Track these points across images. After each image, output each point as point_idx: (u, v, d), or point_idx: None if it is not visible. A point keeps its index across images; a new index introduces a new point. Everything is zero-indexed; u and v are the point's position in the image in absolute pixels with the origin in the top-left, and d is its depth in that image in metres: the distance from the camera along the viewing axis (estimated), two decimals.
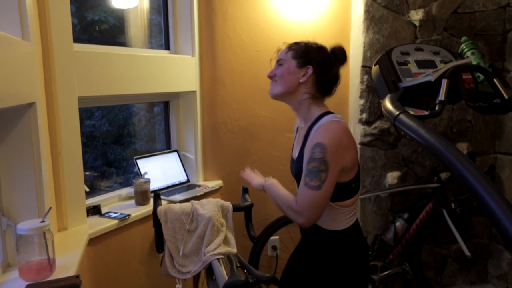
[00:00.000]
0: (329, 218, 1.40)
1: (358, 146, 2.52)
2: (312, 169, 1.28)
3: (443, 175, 2.54)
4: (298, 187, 1.48)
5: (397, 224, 2.49)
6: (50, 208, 1.34)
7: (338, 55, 1.43)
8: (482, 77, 2.05)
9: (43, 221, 1.26)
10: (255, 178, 1.62)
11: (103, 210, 1.91)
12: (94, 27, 2.03)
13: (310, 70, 1.38)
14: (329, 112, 1.41)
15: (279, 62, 1.44)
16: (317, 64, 1.39)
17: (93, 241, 1.69)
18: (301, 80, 1.39)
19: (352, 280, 1.42)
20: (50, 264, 1.28)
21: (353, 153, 1.33)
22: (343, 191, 1.36)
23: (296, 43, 1.44)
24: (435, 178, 2.48)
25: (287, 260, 1.60)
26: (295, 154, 1.47)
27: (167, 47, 2.36)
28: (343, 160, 1.29)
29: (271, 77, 1.46)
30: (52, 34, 1.49)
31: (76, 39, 1.84)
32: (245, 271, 1.38)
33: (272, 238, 2.55)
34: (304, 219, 1.29)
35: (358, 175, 1.40)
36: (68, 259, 1.38)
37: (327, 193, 1.28)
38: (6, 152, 1.33)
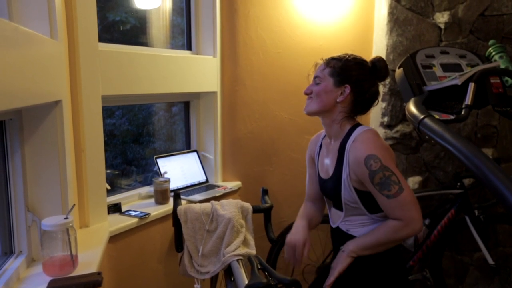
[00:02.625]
0: (367, 229, 1.37)
1: None
2: (381, 181, 1.24)
3: (467, 181, 2.48)
4: (334, 204, 1.45)
5: None
6: (74, 205, 1.36)
7: (379, 69, 1.38)
8: (510, 81, 1.99)
9: (66, 218, 1.27)
10: (335, 268, 1.37)
11: (123, 208, 1.93)
12: (116, 27, 2.05)
13: (347, 89, 1.35)
14: (358, 124, 1.39)
15: (316, 80, 1.40)
16: (355, 83, 1.35)
17: (113, 239, 1.71)
18: (338, 100, 1.36)
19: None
20: (73, 260, 1.29)
21: (392, 152, 1.36)
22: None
23: (334, 59, 1.39)
24: (458, 184, 2.42)
25: (322, 268, 1.58)
26: (329, 172, 1.42)
27: (189, 47, 2.37)
28: (393, 159, 1.30)
29: (308, 94, 1.42)
30: (78, 33, 1.51)
31: (99, 39, 1.86)
32: (266, 273, 1.37)
33: None
34: (417, 223, 1.23)
35: None
36: (89, 256, 1.40)
37: (409, 188, 1.25)
38: (33, 149, 1.35)
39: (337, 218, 1.45)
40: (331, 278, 1.35)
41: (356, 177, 1.29)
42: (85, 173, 1.61)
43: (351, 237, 1.39)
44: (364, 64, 1.38)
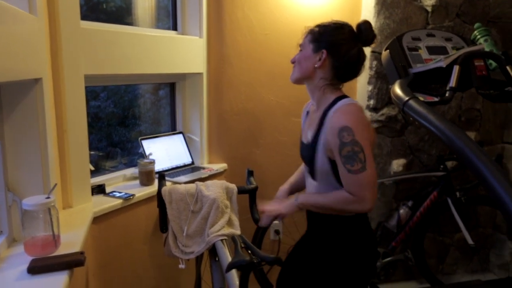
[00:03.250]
0: None
1: None
2: (347, 154, 1.25)
3: (449, 164, 2.52)
4: (309, 171, 1.45)
5: (401, 211, 2.48)
6: (56, 184, 1.34)
7: (363, 30, 1.35)
8: (494, 64, 2.01)
9: (48, 197, 1.26)
10: (279, 205, 1.48)
11: (108, 190, 1.92)
12: (101, 7, 2.00)
13: (324, 54, 1.33)
14: (344, 96, 1.37)
15: (300, 48, 1.42)
16: (332, 47, 1.33)
17: (97, 220, 1.70)
18: (316, 65, 1.35)
19: (359, 267, 1.40)
20: (55, 240, 1.28)
21: (373, 132, 1.35)
22: None
23: (317, 26, 1.39)
24: (441, 166, 2.46)
25: (294, 246, 1.58)
26: (308, 138, 1.43)
27: (174, 27, 2.33)
28: (369, 137, 1.29)
29: (292, 62, 1.44)
30: (59, 9, 1.47)
31: (83, 19, 1.81)
32: (249, 251, 1.38)
33: (275, 222, 2.54)
34: (367, 203, 1.25)
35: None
36: (72, 236, 1.39)
37: (372, 170, 1.26)
38: (13, 127, 1.32)
39: (311, 189, 1.46)
40: (270, 214, 1.47)
41: (329, 146, 1.30)
42: (67, 154, 1.59)
43: (323, 216, 1.41)
44: (344, 27, 1.36)
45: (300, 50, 1.42)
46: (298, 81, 1.43)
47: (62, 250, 1.29)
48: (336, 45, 1.33)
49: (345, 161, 1.26)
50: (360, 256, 1.40)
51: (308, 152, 1.40)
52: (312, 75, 1.38)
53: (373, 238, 1.44)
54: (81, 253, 1.23)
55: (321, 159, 1.35)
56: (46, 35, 1.44)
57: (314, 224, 1.49)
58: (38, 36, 1.32)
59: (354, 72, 1.38)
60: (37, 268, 1.15)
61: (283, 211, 1.45)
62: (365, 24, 1.35)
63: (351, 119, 1.27)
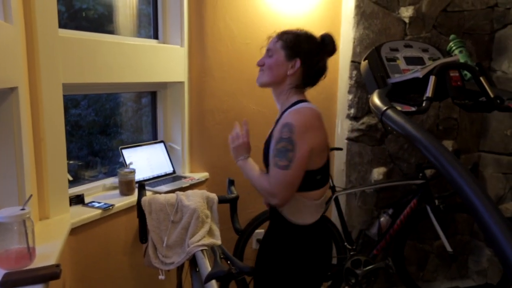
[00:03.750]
0: (294, 208, 1.38)
1: (345, 141, 2.53)
2: (281, 148, 1.29)
3: (428, 172, 2.57)
4: (266, 168, 1.48)
5: (382, 219, 2.51)
6: (31, 195, 1.31)
7: (328, 44, 1.41)
8: (469, 75, 2.07)
9: (23, 209, 1.23)
10: (238, 146, 1.52)
11: (87, 200, 1.89)
12: (82, 14, 1.98)
13: (298, 63, 1.38)
14: (305, 100, 1.41)
15: (269, 53, 1.43)
16: (306, 56, 1.38)
17: (75, 231, 1.67)
18: (288, 72, 1.39)
19: (306, 277, 1.39)
20: (30, 252, 1.25)
21: (321, 139, 1.34)
22: (308, 180, 1.35)
23: (286, 32, 1.42)
24: (420, 174, 2.50)
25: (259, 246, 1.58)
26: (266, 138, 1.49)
27: (155, 36, 2.33)
28: (311, 142, 1.30)
29: (260, 65, 1.45)
30: (36, 18, 1.45)
31: (64, 26, 1.80)
32: (228, 262, 1.38)
33: (257, 231, 2.55)
34: (277, 200, 1.30)
35: (325, 168, 1.39)
36: (49, 248, 1.36)
37: (297, 173, 1.29)
38: None
39: None
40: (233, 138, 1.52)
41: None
42: (44, 164, 1.56)
43: (282, 217, 1.40)
44: (314, 39, 1.41)
45: (270, 56, 1.42)
46: (266, 85, 1.45)
47: (37, 263, 1.26)
48: (309, 55, 1.38)
49: (276, 153, 1.30)
50: (310, 264, 1.40)
51: (264, 151, 1.45)
52: (282, 81, 1.41)
53: (326, 247, 1.44)
54: (57, 265, 1.21)
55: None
56: (23, 44, 1.42)
57: (273, 225, 1.48)
58: (13, 45, 1.30)
59: (317, 79, 1.44)
60: (10, 282, 1.13)
61: (231, 148, 1.52)
62: (328, 37, 1.41)
63: (298, 118, 1.30)
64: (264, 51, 1.48)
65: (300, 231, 1.38)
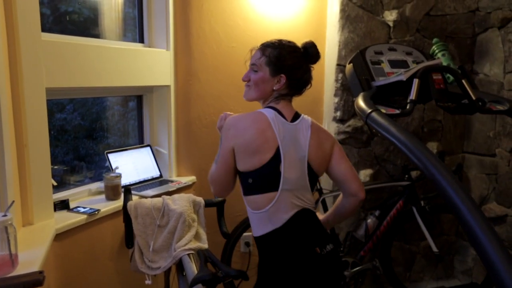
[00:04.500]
0: (251, 222, 1.41)
1: None
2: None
3: (414, 173, 2.60)
4: None
5: (369, 221, 2.53)
6: (13, 201, 1.29)
7: (311, 54, 1.42)
8: (452, 78, 2.10)
9: (5, 215, 1.21)
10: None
11: (72, 205, 1.87)
12: (67, 18, 1.97)
13: (283, 79, 1.39)
14: (271, 107, 1.41)
15: (253, 68, 1.44)
16: (290, 71, 1.39)
17: (60, 237, 1.65)
18: (274, 88, 1.41)
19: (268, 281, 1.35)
20: (12, 259, 1.23)
21: (249, 138, 1.32)
22: (242, 183, 1.40)
23: (269, 46, 1.42)
24: (406, 176, 2.53)
25: None
26: None
27: (141, 40, 2.32)
28: (231, 140, 1.35)
29: (246, 81, 1.47)
30: (18, 22, 1.44)
31: (49, 30, 1.78)
32: (215, 266, 1.38)
33: (245, 234, 2.54)
34: (211, 187, 1.45)
35: (259, 173, 1.34)
36: (32, 255, 1.34)
37: (220, 168, 1.39)
38: None
39: None
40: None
41: None
42: (28, 169, 1.54)
43: None
44: (297, 51, 1.41)
45: (255, 71, 1.43)
46: (254, 100, 1.48)
47: (20, 269, 1.25)
48: (294, 70, 1.39)
49: None
50: (262, 276, 1.37)
51: None
52: (269, 95, 1.44)
53: (274, 261, 1.35)
54: (40, 272, 1.18)
55: None
56: (4, 48, 1.40)
57: None
58: None
59: (303, 90, 1.46)
60: None
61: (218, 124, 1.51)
62: (312, 48, 1.41)
63: (233, 117, 1.39)
64: (248, 64, 1.48)
65: (258, 242, 1.39)
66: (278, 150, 1.33)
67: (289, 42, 1.43)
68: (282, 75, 1.39)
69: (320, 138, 1.43)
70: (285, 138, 1.35)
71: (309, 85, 1.47)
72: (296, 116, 1.43)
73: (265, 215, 1.34)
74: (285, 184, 1.33)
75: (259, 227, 1.36)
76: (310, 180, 1.40)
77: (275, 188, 1.33)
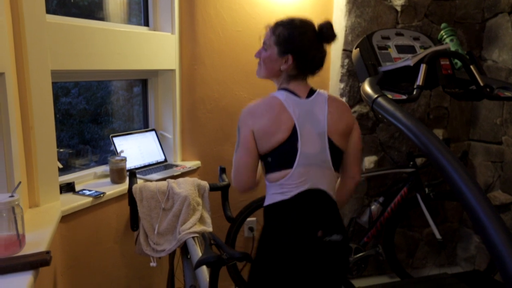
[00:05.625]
0: (266, 194, 1.44)
1: None
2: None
3: (418, 160, 2.59)
4: None
5: (373, 207, 2.53)
6: (20, 182, 1.30)
7: (326, 36, 1.40)
8: (459, 64, 2.07)
9: (12, 196, 1.22)
10: None
11: (78, 188, 1.88)
12: (72, 1, 1.95)
13: (290, 60, 1.38)
14: (285, 89, 1.42)
15: (264, 46, 1.45)
16: (298, 52, 1.38)
17: (66, 218, 1.66)
18: (281, 68, 1.41)
19: (269, 254, 1.37)
20: (20, 239, 1.25)
21: (265, 125, 1.35)
22: (263, 164, 1.42)
23: (280, 24, 1.41)
24: (411, 163, 2.52)
25: None
26: None
27: (146, 23, 2.30)
28: (250, 125, 1.37)
29: (257, 57, 1.49)
30: (23, 3, 1.43)
31: (53, 13, 1.77)
32: (219, 248, 1.39)
33: (249, 219, 2.56)
34: (234, 183, 1.44)
35: (277, 151, 1.36)
36: (39, 236, 1.36)
37: (240, 156, 1.39)
38: None
39: None
40: None
41: None
42: (34, 151, 1.55)
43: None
44: (309, 32, 1.39)
45: (265, 49, 1.44)
46: (264, 78, 1.50)
47: (27, 249, 1.26)
48: (302, 51, 1.38)
49: None
50: (269, 242, 1.39)
51: None
52: (278, 74, 1.45)
53: (290, 225, 1.35)
54: (47, 252, 1.20)
55: None
56: (9, 29, 1.39)
57: None
58: None
59: (315, 70, 1.45)
60: (0, 268, 1.12)
61: None
62: (327, 27, 1.39)
63: (248, 105, 1.40)
64: (262, 40, 1.49)
65: (266, 212, 1.42)
66: (294, 128, 1.35)
67: (302, 21, 1.40)
68: (289, 55, 1.38)
69: (340, 111, 1.43)
70: (301, 116, 1.37)
71: (322, 66, 1.45)
72: (311, 92, 1.43)
73: (278, 187, 1.38)
74: (302, 159, 1.35)
75: (271, 197, 1.40)
76: (332, 155, 1.39)
77: (292, 164, 1.35)
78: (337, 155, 1.41)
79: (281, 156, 1.36)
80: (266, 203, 1.42)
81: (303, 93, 1.41)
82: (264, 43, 1.45)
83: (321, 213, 1.37)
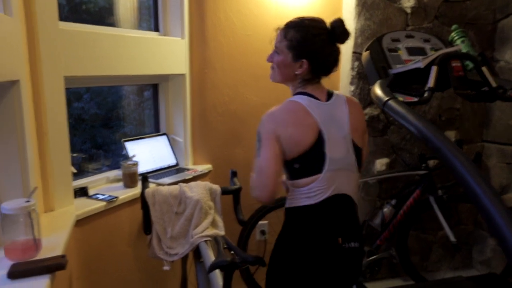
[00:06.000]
0: (290, 197, 1.40)
1: None
2: (256, 141, 1.37)
3: (431, 162, 2.56)
4: None
5: (385, 210, 2.52)
6: (36, 187, 1.33)
7: (338, 34, 1.35)
8: (471, 65, 2.06)
9: (28, 201, 1.24)
10: None
11: (91, 192, 1.90)
12: (83, 7, 1.99)
13: (305, 64, 1.36)
14: (303, 93, 1.39)
15: (276, 50, 1.42)
16: (312, 56, 1.35)
17: (80, 223, 1.68)
18: (296, 72, 1.38)
19: (293, 262, 1.35)
20: (36, 244, 1.27)
21: (292, 130, 1.32)
22: (290, 170, 1.36)
23: (291, 27, 1.37)
24: (423, 165, 2.50)
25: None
26: None
27: (156, 28, 2.33)
28: (275, 132, 1.31)
29: (269, 62, 1.45)
30: (36, 10, 1.46)
31: (65, 19, 1.80)
32: (232, 252, 1.39)
33: (260, 222, 2.56)
34: (253, 189, 1.34)
35: (305, 157, 1.33)
36: (54, 240, 1.38)
37: (265, 160, 1.31)
38: None
39: None
40: None
41: None
42: (48, 157, 1.57)
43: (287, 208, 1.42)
44: (322, 33, 1.35)
45: (278, 53, 1.41)
46: (279, 82, 1.47)
47: (43, 254, 1.28)
48: (316, 54, 1.34)
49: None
50: (292, 250, 1.36)
51: None
52: (293, 79, 1.41)
53: (316, 229, 1.36)
54: (63, 256, 1.22)
55: None
56: (23, 37, 1.42)
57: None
58: (14, 38, 1.30)
59: (330, 71, 1.41)
60: (17, 272, 1.14)
61: None
62: (340, 28, 1.34)
63: (267, 113, 1.35)
64: (274, 44, 1.45)
65: (293, 213, 1.38)
66: (320, 132, 1.33)
67: (313, 21, 1.37)
68: (304, 60, 1.35)
69: (357, 111, 1.43)
70: (325, 119, 1.34)
71: (336, 66, 1.42)
72: (329, 95, 1.41)
73: (305, 190, 1.35)
74: (330, 164, 1.33)
75: (296, 200, 1.37)
76: (356, 156, 1.39)
77: (321, 169, 1.33)
78: (359, 156, 1.41)
79: (309, 162, 1.33)
80: (291, 204, 1.39)
81: (322, 96, 1.39)
82: (276, 46, 1.42)
83: (344, 220, 1.37)
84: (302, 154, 1.32)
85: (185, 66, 2.32)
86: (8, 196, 1.35)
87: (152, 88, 2.41)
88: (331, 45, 1.37)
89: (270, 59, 1.44)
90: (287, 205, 1.40)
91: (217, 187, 1.78)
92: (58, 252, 1.29)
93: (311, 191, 1.34)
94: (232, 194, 1.81)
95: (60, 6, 1.60)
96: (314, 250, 1.33)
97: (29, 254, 1.25)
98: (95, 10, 2.04)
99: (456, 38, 2.22)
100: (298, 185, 1.36)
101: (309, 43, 1.34)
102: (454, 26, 2.26)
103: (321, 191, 1.33)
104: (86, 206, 1.73)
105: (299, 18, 1.40)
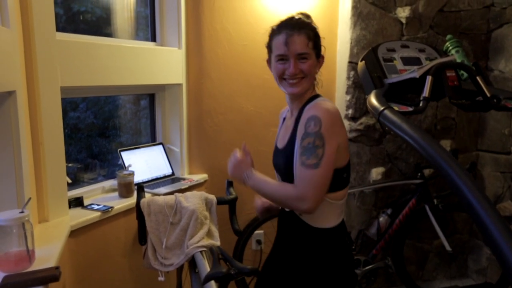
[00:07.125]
0: (318, 212, 1.25)
1: None
2: (307, 146, 1.16)
3: (426, 172, 2.57)
4: (281, 179, 1.39)
5: (381, 219, 2.52)
6: (30, 198, 1.32)
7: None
8: (465, 75, 2.07)
9: (22, 212, 1.23)
10: (237, 164, 1.38)
11: (86, 202, 1.89)
12: (80, 18, 1.99)
13: (322, 59, 1.32)
14: (319, 95, 1.34)
15: (304, 55, 1.25)
16: (321, 50, 1.32)
17: (75, 233, 1.67)
18: (317, 71, 1.33)
19: (338, 281, 1.31)
20: (29, 255, 1.26)
21: (346, 134, 1.25)
22: (336, 179, 1.23)
23: (304, 28, 1.27)
24: (419, 174, 2.51)
25: (268, 255, 1.50)
26: (282, 143, 1.35)
27: (153, 38, 2.34)
28: (339, 136, 1.19)
29: (296, 74, 1.26)
30: (33, 22, 1.46)
31: (62, 30, 1.81)
32: (227, 263, 1.38)
33: (256, 232, 2.55)
34: (307, 203, 1.14)
35: (349, 165, 1.29)
36: (48, 251, 1.37)
37: (327, 171, 1.15)
38: None
39: None
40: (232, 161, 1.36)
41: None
42: (43, 167, 1.57)
43: (303, 222, 1.29)
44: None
45: (303, 59, 1.25)
46: (304, 91, 1.31)
47: (37, 265, 1.27)
48: (321, 47, 1.33)
49: (302, 152, 1.17)
50: (339, 267, 1.32)
51: (283, 158, 1.31)
52: (313, 81, 1.33)
53: (350, 248, 1.37)
54: (56, 268, 1.21)
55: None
56: (20, 48, 1.42)
57: (291, 233, 1.38)
58: (11, 49, 1.30)
59: None
60: (10, 284, 1.13)
61: (231, 173, 1.38)
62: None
63: (324, 111, 1.18)
64: (276, 54, 1.32)
65: (326, 236, 1.27)
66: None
67: (300, 14, 1.34)
68: (322, 55, 1.32)
69: None
70: None
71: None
72: None
73: (341, 206, 1.28)
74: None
75: (337, 217, 1.29)
76: None
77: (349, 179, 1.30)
78: None
79: (349, 169, 1.27)
80: (329, 225, 1.27)
81: None
82: (304, 53, 1.25)
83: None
84: (348, 162, 1.25)
85: (182, 76, 2.33)
86: (2, 207, 1.34)
87: (149, 98, 2.41)
88: None
89: (297, 70, 1.25)
90: (326, 225, 1.28)
91: (212, 197, 1.78)
92: (51, 263, 1.28)
93: (343, 206, 1.28)
94: (228, 204, 1.80)
95: (57, 16, 1.61)
96: (352, 275, 1.34)
97: (22, 265, 1.24)
98: (92, 20, 2.05)
99: (450, 48, 2.24)
100: (337, 198, 1.26)
101: (319, 38, 1.30)
102: (448, 36, 2.28)
103: (344, 207, 1.30)
104: (81, 216, 1.72)
105: (294, 17, 1.33)
